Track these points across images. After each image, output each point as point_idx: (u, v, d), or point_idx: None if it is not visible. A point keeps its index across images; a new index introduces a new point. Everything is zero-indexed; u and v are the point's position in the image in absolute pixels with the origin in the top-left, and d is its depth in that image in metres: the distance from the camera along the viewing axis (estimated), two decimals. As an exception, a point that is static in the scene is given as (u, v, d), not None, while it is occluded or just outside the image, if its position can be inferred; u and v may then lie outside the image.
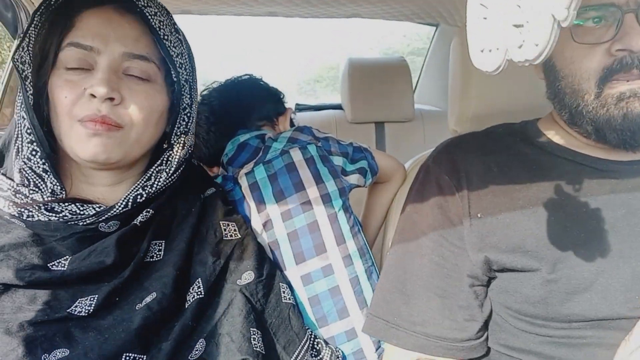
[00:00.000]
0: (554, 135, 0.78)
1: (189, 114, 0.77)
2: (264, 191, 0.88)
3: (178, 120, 0.75)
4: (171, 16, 0.73)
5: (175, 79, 0.73)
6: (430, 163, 0.84)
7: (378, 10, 1.66)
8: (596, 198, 0.69)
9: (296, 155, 0.91)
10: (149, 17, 0.69)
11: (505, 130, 0.84)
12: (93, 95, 0.64)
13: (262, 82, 1.13)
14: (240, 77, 1.12)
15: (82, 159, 0.66)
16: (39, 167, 0.66)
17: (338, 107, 2.18)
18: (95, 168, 0.69)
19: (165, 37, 0.71)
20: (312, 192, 0.88)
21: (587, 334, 0.65)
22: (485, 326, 0.76)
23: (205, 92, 1.09)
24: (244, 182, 0.90)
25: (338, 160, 0.95)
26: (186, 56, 0.75)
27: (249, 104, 1.06)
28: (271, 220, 0.87)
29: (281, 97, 1.12)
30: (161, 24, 0.71)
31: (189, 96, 0.76)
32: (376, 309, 0.79)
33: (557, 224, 0.69)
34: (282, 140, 0.94)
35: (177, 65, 0.72)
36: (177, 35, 0.73)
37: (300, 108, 2.18)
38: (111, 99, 0.64)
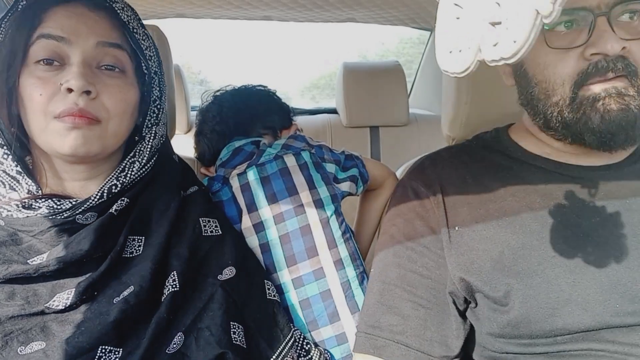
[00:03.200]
0: (526, 143, 0.78)
1: (158, 106, 0.78)
2: (256, 193, 0.88)
3: (149, 112, 0.76)
4: (136, 12, 0.74)
5: (145, 71, 0.74)
6: (405, 178, 0.85)
7: (373, 14, 1.67)
8: (570, 206, 0.69)
9: (290, 160, 0.92)
10: (118, 11, 0.70)
11: (478, 142, 0.84)
12: (69, 90, 0.63)
13: (275, 96, 1.14)
14: (255, 86, 1.14)
15: (60, 154, 0.66)
16: (12, 169, 0.66)
17: (333, 111, 2.18)
18: (72, 162, 0.69)
19: (135, 30, 0.72)
20: (305, 196, 0.88)
21: (573, 347, 0.64)
22: (463, 346, 0.74)
23: (218, 93, 1.11)
24: (235, 182, 0.90)
25: (330, 168, 0.96)
26: (153, 49, 0.76)
27: (258, 111, 1.07)
28: (262, 223, 0.87)
29: (290, 112, 1.14)
30: (129, 17, 0.72)
31: (158, 88, 0.77)
32: (360, 325, 0.77)
33: (532, 235, 0.68)
34: (277, 146, 0.95)
35: (147, 57, 0.73)
36: (143, 29, 0.74)
37: (295, 112, 2.18)
38: (87, 93, 0.64)
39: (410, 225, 0.77)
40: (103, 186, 0.69)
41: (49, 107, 0.63)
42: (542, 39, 0.64)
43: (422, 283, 0.72)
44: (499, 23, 0.31)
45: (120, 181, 0.70)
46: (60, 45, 0.64)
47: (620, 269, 0.64)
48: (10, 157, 0.66)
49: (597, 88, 0.63)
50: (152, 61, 0.75)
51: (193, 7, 1.52)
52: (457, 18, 0.34)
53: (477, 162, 0.79)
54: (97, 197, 0.68)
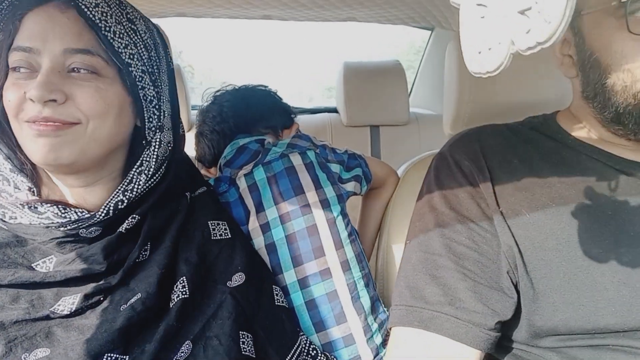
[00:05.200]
0: (575, 131, 0.74)
1: (157, 107, 0.74)
2: (263, 192, 0.88)
3: (147, 114, 0.72)
4: (123, 6, 0.70)
5: (124, 70, 0.69)
6: (446, 150, 0.80)
7: (373, 14, 1.66)
8: (621, 202, 0.65)
9: (296, 159, 0.92)
10: (86, 10, 0.66)
11: (525, 124, 0.80)
12: (32, 99, 0.62)
13: (276, 96, 1.14)
14: (256, 86, 1.13)
15: (35, 162, 0.65)
16: (6, 168, 0.66)
17: (333, 110, 2.18)
18: (54, 171, 0.67)
19: (108, 28, 0.67)
20: (312, 196, 0.88)
21: (611, 342, 0.62)
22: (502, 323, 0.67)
23: (218, 93, 1.10)
24: (242, 183, 0.90)
25: (335, 168, 0.96)
26: (142, 46, 0.71)
27: (258, 111, 1.07)
28: (269, 223, 0.87)
29: (290, 112, 1.14)
30: (103, 14, 0.67)
31: (152, 87, 0.72)
32: (398, 298, 0.70)
33: (580, 227, 0.64)
34: (282, 145, 0.95)
35: (127, 56, 0.69)
36: (129, 24, 0.70)
37: (295, 111, 2.18)
38: (53, 100, 0.62)
39: (455, 198, 0.72)
40: (109, 202, 0.67)
41: (20, 114, 0.63)
42: (623, 24, 0.60)
43: (470, 256, 0.67)
44: (529, 9, 0.31)
45: (127, 196, 0.68)
46: (30, 56, 0.64)
47: None
48: (1, 156, 0.66)
49: None
50: (137, 59, 0.70)
51: (193, 7, 1.52)
52: (482, 17, 0.34)
53: (525, 143, 0.75)
54: (103, 214, 0.66)
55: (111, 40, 0.67)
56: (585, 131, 0.73)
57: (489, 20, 0.34)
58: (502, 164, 0.73)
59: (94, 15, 0.66)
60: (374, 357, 0.85)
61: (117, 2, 0.70)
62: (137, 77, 0.70)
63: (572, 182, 0.68)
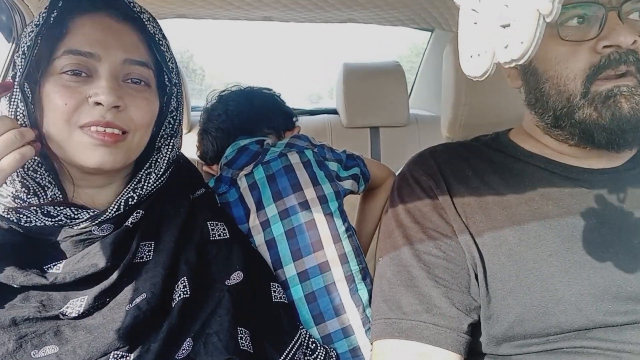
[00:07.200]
0: (526, 144, 0.79)
1: (175, 117, 0.78)
2: (263, 191, 0.90)
3: (164, 123, 0.76)
4: (158, 22, 0.75)
5: (167, 83, 0.74)
6: (406, 169, 0.86)
7: (373, 15, 1.67)
8: (569, 207, 0.69)
9: (294, 158, 0.94)
10: (146, 23, 0.70)
11: (477, 141, 0.86)
12: (97, 104, 0.63)
13: (279, 99, 1.17)
14: (261, 89, 1.16)
15: (84, 167, 0.66)
16: (44, 179, 0.67)
17: (333, 111, 2.18)
18: (91, 172, 0.69)
19: (160, 42, 0.72)
20: (309, 192, 0.90)
21: (566, 344, 0.65)
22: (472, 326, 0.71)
23: (224, 93, 1.13)
24: (243, 182, 0.92)
25: (333, 166, 0.98)
26: (174, 61, 0.76)
27: (263, 112, 1.10)
28: (269, 220, 0.89)
29: (293, 116, 1.17)
30: (155, 29, 0.72)
31: (176, 99, 0.77)
32: (376, 313, 0.74)
33: (529, 232, 0.68)
34: (280, 145, 0.97)
35: (170, 69, 0.74)
36: (166, 41, 0.74)
37: (295, 112, 2.18)
38: (116, 107, 0.64)
39: (418, 212, 0.76)
40: (120, 198, 0.69)
41: (73, 118, 0.64)
42: (555, 33, 0.65)
43: (440, 264, 0.71)
44: (508, 25, 0.32)
45: (137, 193, 0.71)
46: (88, 60, 0.64)
47: (615, 271, 0.65)
48: (44, 167, 0.67)
49: (609, 84, 0.64)
50: (173, 73, 0.75)
51: (193, 8, 1.52)
52: (475, 23, 0.35)
53: (477, 158, 0.80)
54: (114, 209, 0.68)
55: (165, 54, 0.72)
56: (534, 143, 0.78)
57: (480, 27, 0.35)
58: (457, 175, 0.77)
59: (150, 29, 0.70)
60: None
61: (155, 18, 0.73)
62: (172, 89, 0.75)
63: (520, 191, 0.72)
